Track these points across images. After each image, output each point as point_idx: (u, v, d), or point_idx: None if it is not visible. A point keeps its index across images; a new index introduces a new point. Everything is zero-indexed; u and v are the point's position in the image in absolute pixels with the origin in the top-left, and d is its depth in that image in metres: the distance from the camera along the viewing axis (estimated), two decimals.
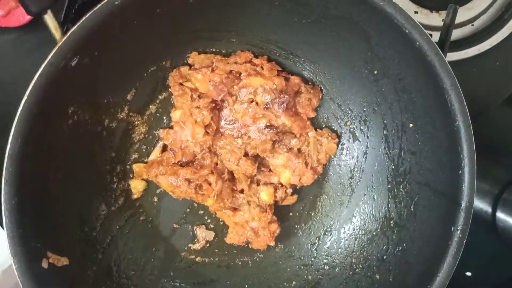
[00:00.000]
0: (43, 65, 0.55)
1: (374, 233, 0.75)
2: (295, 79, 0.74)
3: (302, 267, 0.79)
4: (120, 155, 0.74)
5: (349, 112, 0.77)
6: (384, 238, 0.73)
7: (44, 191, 0.62)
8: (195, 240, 0.78)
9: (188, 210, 0.78)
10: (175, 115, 0.74)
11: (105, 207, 0.73)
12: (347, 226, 0.78)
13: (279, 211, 0.79)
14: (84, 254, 0.68)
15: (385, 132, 0.74)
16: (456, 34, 0.86)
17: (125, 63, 0.68)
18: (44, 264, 0.60)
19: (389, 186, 0.74)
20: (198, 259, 0.78)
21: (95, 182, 0.72)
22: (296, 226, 0.81)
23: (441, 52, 0.59)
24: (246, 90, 0.73)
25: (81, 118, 0.66)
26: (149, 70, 0.73)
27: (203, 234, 0.78)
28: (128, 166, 0.75)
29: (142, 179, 0.76)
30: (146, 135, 0.76)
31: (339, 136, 0.79)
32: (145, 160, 0.76)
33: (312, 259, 0.79)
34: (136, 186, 0.76)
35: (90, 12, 0.55)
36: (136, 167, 0.75)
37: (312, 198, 0.81)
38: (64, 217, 0.65)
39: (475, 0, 0.86)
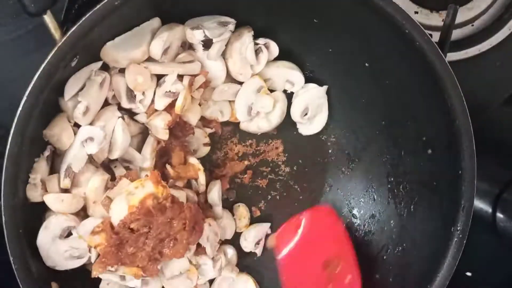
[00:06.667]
0: (42, 66, 0.55)
1: (374, 233, 0.75)
2: None
3: None
4: None
5: None
6: (384, 238, 0.74)
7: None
8: None
9: None
10: None
11: None
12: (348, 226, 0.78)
13: None
14: None
15: (385, 132, 0.74)
16: (456, 34, 0.86)
17: None
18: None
19: (389, 186, 0.74)
20: None
21: None
22: None
23: (441, 52, 0.59)
24: None
25: None
26: None
27: None
28: None
29: None
30: None
31: None
32: None
33: None
34: None
35: (90, 12, 0.54)
36: None
37: None
38: None
39: (475, 0, 0.86)
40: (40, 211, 0.62)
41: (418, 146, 0.68)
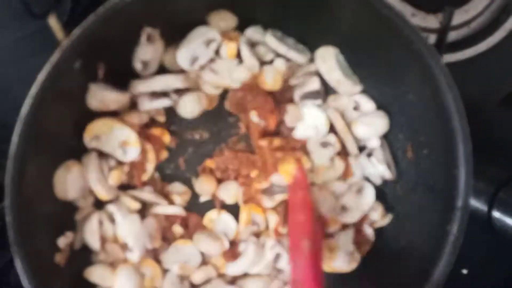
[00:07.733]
0: (46, 67, 0.55)
1: None
2: None
3: None
4: None
5: None
6: (381, 237, 0.74)
7: (47, 191, 0.63)
8: None
9: None
10: None
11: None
12: None
13: None
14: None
15: None
16: (452, 36, 0.87)
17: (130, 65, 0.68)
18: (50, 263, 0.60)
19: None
20: None
21: None
22: None
23: (438, 54, 0.60)
24: None
25: (84, 120, 0.66)
26: None
27: None
28: None
29: None
30: None
31: None
32: None
33: None
34: None
35: (94, 14, 0.55)
36: None
37: None
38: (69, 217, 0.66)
39: (471, 3, 0.87)
40: None
41: (415, 146, 0.69)
